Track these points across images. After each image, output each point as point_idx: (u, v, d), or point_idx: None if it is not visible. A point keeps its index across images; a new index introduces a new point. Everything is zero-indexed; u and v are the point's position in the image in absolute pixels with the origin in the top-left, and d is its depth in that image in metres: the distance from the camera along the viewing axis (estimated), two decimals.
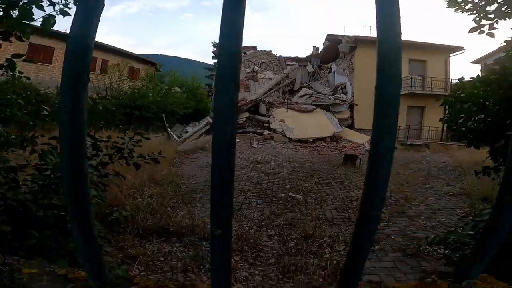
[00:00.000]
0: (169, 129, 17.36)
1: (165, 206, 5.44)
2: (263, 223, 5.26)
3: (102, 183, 2.03)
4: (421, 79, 20.74)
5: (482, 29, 4.65)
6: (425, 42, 21.17)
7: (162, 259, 3.99)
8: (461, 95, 3.77)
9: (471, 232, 2.44)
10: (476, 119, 3.27)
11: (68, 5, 2.37)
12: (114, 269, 2.44)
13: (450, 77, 20.87)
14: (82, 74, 0.48)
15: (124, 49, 27.85)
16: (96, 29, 0.48)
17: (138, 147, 2.26)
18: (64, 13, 2.35)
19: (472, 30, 4.73)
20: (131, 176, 6.69)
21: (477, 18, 4.63)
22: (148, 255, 3.99)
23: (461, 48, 21.32)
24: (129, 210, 4.96)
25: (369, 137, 17.81)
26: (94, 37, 0.49)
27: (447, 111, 7.92)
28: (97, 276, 0.52)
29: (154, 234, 4.62)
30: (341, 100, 20.60)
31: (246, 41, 26.19)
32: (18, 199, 1.62)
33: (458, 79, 4.21)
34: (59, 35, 16.99)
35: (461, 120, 3.71)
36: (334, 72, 23.91)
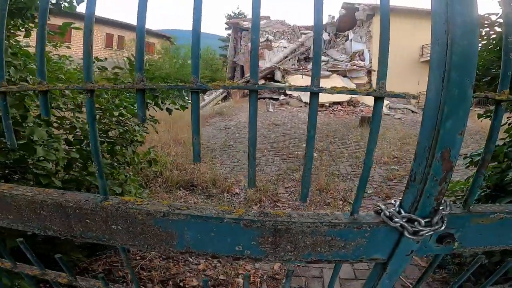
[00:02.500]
0: (186, 98, 18.12)
1: (188, 163, 5.86)
2: (280, 177, 5.62)
3: (143, 125, 2.52)
4: None
5: None
6: None
7: None
8: None
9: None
10: None
11: None
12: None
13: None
14: None
15: None
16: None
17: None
18: None
19: None
20: (157, 136, 7.14)
21: None
22: None
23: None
24: (158, 166, 5.41)
25: (387, 102, 17.84)
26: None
27: None
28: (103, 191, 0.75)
29: (181, 188, 5.08)
30: (358, 67, 20.41)
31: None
32: None
33: None
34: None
35: None
36: (351, 40, 23.26)
